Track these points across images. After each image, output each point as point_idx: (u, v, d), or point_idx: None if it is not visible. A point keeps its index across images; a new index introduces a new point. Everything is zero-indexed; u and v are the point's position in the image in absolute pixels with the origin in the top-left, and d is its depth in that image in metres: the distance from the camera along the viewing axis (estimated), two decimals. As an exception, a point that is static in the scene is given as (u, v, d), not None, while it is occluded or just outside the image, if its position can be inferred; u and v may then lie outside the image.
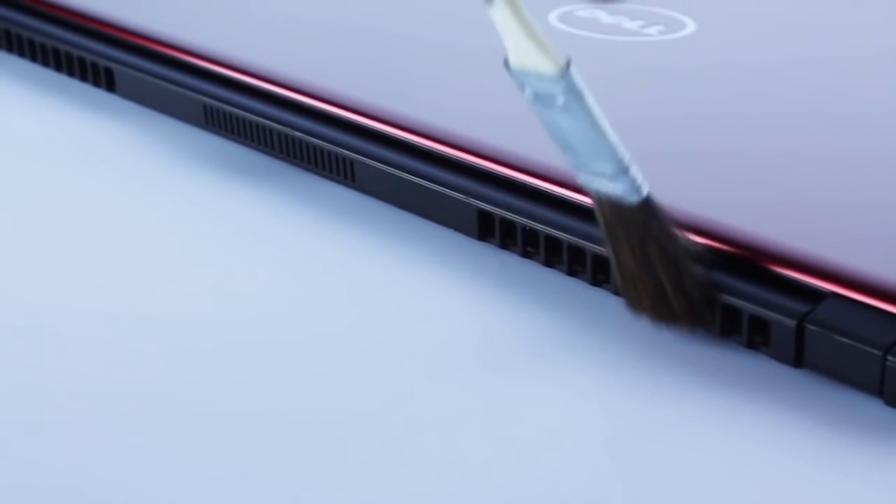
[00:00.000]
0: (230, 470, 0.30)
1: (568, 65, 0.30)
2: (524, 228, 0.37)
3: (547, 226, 0.37)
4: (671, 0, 0.49)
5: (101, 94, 0.50)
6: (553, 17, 0.48)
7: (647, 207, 0.32)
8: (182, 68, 0.47)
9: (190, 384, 0.33)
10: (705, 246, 0.32)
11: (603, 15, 0.47)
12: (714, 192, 0.37)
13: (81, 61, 0.50)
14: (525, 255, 0.38)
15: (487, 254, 0.38)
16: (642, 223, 0.32)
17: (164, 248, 0.40)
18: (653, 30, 0.46)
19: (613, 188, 0.32)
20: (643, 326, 0.35)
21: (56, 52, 0.51)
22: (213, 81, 0.46)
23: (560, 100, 0.31)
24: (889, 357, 0.31)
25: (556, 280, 0.37)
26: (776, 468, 0.30)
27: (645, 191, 0.32)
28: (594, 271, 0.36)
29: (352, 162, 0.41)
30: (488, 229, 0.39)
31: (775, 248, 0.34)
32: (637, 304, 0.33)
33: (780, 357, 0.33)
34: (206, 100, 0.46)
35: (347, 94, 0.42)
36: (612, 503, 0.29)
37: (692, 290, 0.32)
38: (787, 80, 0.43)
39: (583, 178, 0.32)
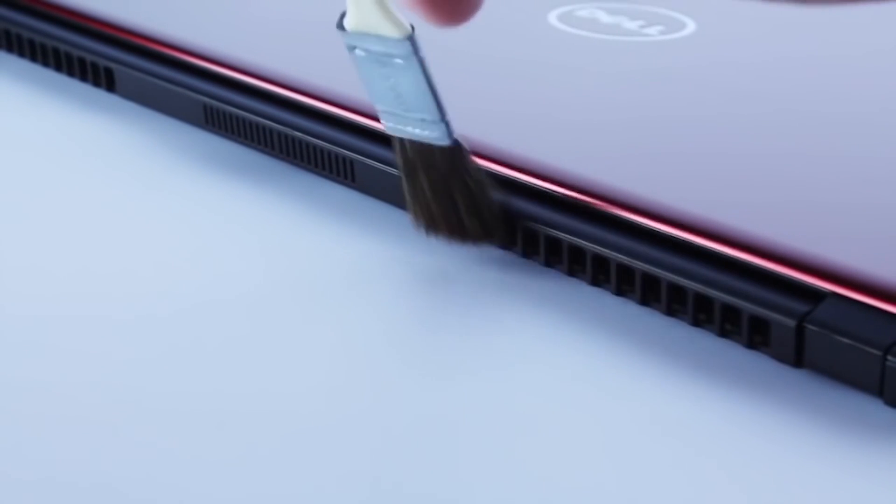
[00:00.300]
0: (240, 470, 0.30)
1: (413, 29, 0.34)
2: (524, 228, 0.37)
3: (547, 226, 0.37)
4: (671, 0, 0.49)
5: (101, 94, 0.50)
6: (553, 16, 0.48)
7: (456, 149, 0.36)
8: (182, 68, 0.47)
9: (189, 384, 0.33)
10: (499, 179, 0.37)
11: (603, 15, 0.47)
12: (714, 192, 0.37)
13: (81, 61, 0.50)
14: (525, 255, 0.38)
15: (487, 254, 0.38)
16: (449, 162, 0.36)
17: (164, 248, 0.40)
18: (653, 30, 0.46)
19: (429, 133, 0.36)
20: (644, 327, 0.35)
21: (56, 52, 0.51)
22: (213, 81, 0.46)
23: (399, 61, 0.34)
24: (889, 357, 0.31)
25: (555, 280, 0.37)
26: (776, 468, 0.30)
27: (455, 137, 0.36)
28: (594, 271, 0.36)
29: (352, 162, 0.41)
30: (488, 229, 0.39)
31: (775, 248, 0.34)
32: (430, 226, 0.37)
33: (780, 357, 0.33)
34: (206, 100, 0.46)
35: (347, 94, 0.42)
36: (611, 500, 0.29)
37: (485, 213, 0.37)
38: (787, 80, 0.43)
39: (393, 123, 0.36)
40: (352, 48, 0.35)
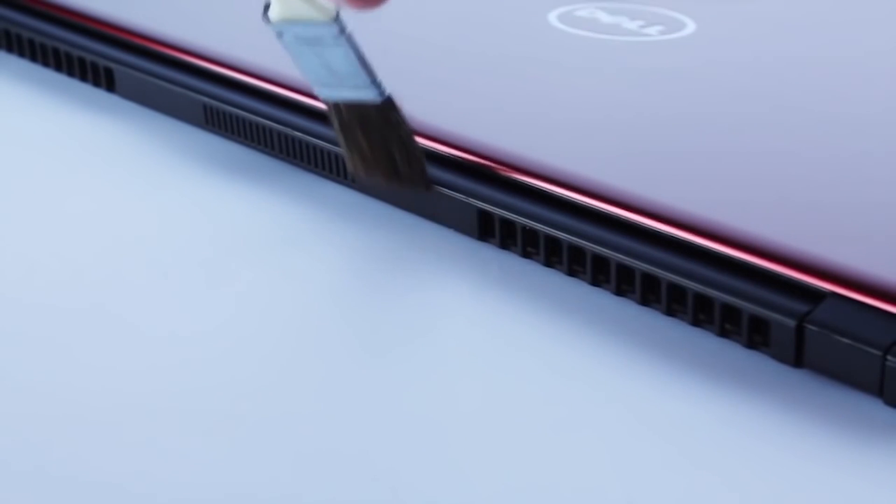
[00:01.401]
0: (233, 473, 0.30)
1: (338, 14, 0.36)
2: (524, 228, 0.37)
3: (547, 226, 0.37)
4: (671, 0, 0.49)
5: (101, 94, 0.50)
6: (553, 16, 0.48)
7: (388, 105, 0.38)
8: (182, 68, 0.47)
9: (189, 383, 0.33)
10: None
11: (603, 15, 0.47)
12: (714, 192, 0.37)
13: (81, 61, 0.50)
14: (525, 255, 0.38)
15: (487, 254, 0.38)
16: (383, 117, 0.38)
17: (164, 248, 0.40)
18: (653, 30, 0.46)
19: (364, 94, 0.38)
20: (644, 327, 0.35)
21: (56, 52, 0.51)
22: (213, 81, 0.46)
23: (329, 41, 0.37)
24: (889, 357, 0.31)
25: (555, 280, 0.37)
26: (776, 468, 0.30)
27: (387, 93, 0.38)
28: (594, 272, 0.36)
29: (352, 162, 0.41)
30: (488, 229, 0.39)
31: (775, 248, 0.34)
32: (368, 173, 0.39)
33: (780, 357, 0.33)
34: (206, 100, 0.46)
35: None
36: (611, 500, 0.29)
37: (415, 162, 0.39)
38: (786, 80, 0.43)
39: (327, 91, 0.38)
40: (280, 35, 0.37)
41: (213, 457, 0.31)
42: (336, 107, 0.39)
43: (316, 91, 0.39)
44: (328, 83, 0.38)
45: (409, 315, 0.36)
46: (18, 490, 0.30)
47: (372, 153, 0.39)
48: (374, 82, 0.38)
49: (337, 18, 0.37)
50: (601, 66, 0.44)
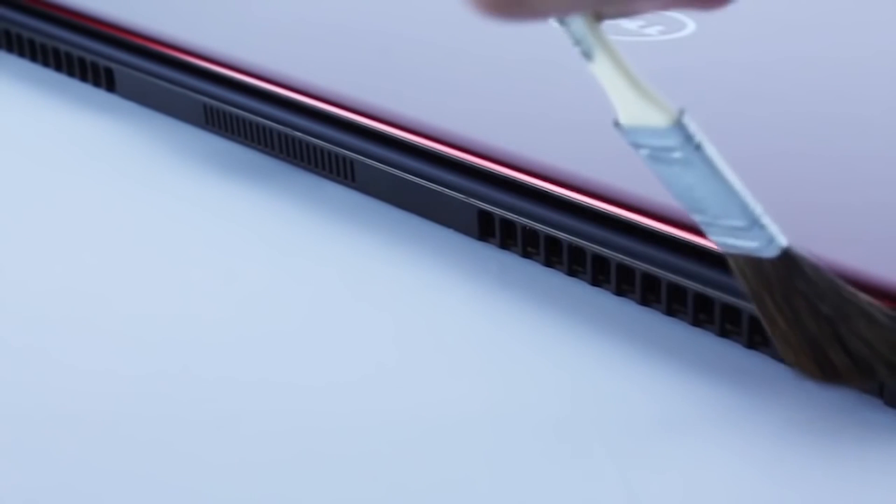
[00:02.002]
0: (231, 470, 0.30)
1: (682, 114, 0.28)
2: (524, 228, 0.37)
3: (547, 226, 0.37)
4: (671, 0, 0.49)
5: (101, 94, 0.50)
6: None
7: (789, 260, 0.29)
8: (182, 68, 0.47)
9: (189, 384, 0.33)
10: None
11: (603, 15, 0.47)
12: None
13: (81, 61, 0.50)
14: (525, 255, 0.38)
15: (487, 254, 0.38)
16: (785, 278, 0.29)
17: (164, 248, 0.40)
18: (653, 30, 0.46)
19: (748, 244, 0.29)
20: (644, 327, 0.35)
21: (56, 52, 0.51)
22: (213, 81, 0.46)
23: (678, 154, 0.28)
24: (889, 357, 0.31)
25: (555, 280, 0.37)
26: (776, 468, 0.30)
27: (783, 243, 0.29)
28: (594, 271, 0.36)
29: (352, 162, 0.41)
30: (488, 229, 0.39)
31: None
32: (796, 362, 0.30)
33: (780, 357, 0.33)
34: (206, 100, 0.46)
35: (347, 94, 0.42)
36: (611, 502, 0.29)
37: (856, 346, 0.29)
38: (786, 80, 0.43)
39: (715, 238, 0.30)
40: (636, 147, 0.29)
41: (212, 460, 0.31)
42: (735, 260, 0.30)
43: (707, 235, 0.30)
44: (707, 220, 0.29)
45: (408, 315, 0.36)
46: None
47: (789, 332, 0.29)
48: (756, 223, 0.29)
49: (680, 121, 0.28)
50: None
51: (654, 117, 0.28)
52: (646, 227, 0.35)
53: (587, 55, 0.28)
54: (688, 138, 0.28)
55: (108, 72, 0.50)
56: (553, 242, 0.37)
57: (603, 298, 0.36)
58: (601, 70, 0.28)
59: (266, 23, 0.48)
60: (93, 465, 0.30)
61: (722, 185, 0.28)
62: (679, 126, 0.28)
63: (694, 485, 0.30)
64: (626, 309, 0.36)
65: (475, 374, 0.34)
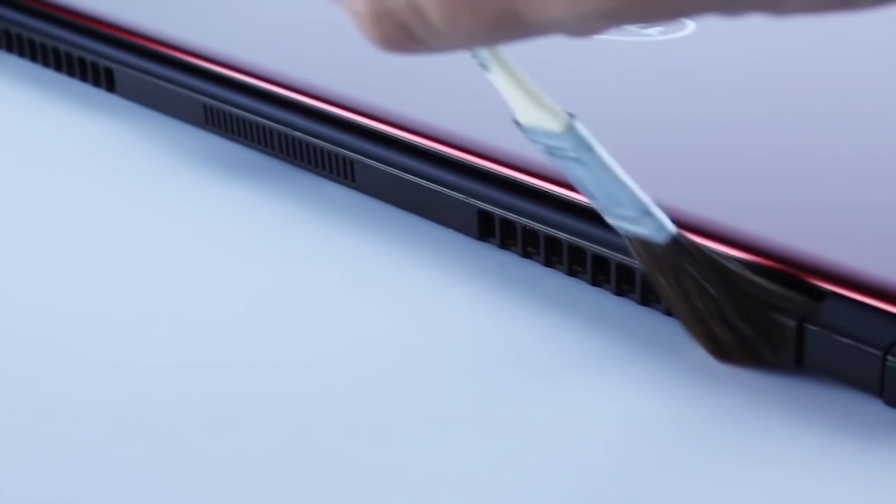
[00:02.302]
0: (230, 470, 0.30)
1: (572, 120, 0.31)
2: (524, 228, 0.37)
3: (547, 226, 0.37)
4: (671, 0, 0.49)
5: (101, 94, 0.50)
6: (553, 17, 0.48)
7: (677, 245, 0.32)
8: (182, 68, 0.47)
9: (190, 384, 0.33)
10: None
11: (603, 15, 0.47)
12: (714, 192, 0.37)
13: (81, 61, 0.50)
14: (525, 255, 0.38)
15: (487, 254, 0.38)
16: (674, 260, 0.32)
17: (164, 249, 0.40)
18: (653, 30, 0.46)
19: (639, 230, 0.32)
20: (644, 326, 0.35)
21: (56, 52, 0.51)
22: (213, 81, 0.46)
23: (570, 153, 0.31)
24: (889, 357, 0.31)
25: (555, 280, 0.37)
26: (776, 468, 0.30)
27: (671, 230, 0.32)
28: (594, 272, 0.36)
29: (352, 162, 0.41)
30: (488, 229, 0.39)
31: (775, 248, 0.34)
32: (694, 337, 0.33)
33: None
34: (206, 100, 0.46)
35: (347, 94, 0.42)
36: (611, 501, 0.29)
37: (740, 326, 0.32)
38: (786, 80, 0.43)
39: (611, 221, 0.33)
40: (533, 143, 0.32)
41: (213, 458, 0.31)
42: (630, 241, 0.33)
43: (601, 213, 0.33)
44: (599, 206, 0.32)
45: (408, 315, 0.36)
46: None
47: (677, 307, 0.33)
48: (645, 213, 0.32)
49: (571, 126, 0.31)
50: (601, 67, 0.44)
51: (547, 122, 0.31)
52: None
53: (483, 67, 0.30)
54: (578, 141, 0.31)
55: (108, 72, 0.50)
56: (553, 242, 0.37)
57: (603, 298, 0.36)
58: (497, 80, 0.30)
59: (266, 23, 0.48)
60: (100, 463, 0.30)
61: (612, 181, 0.31)
62: (570, 131, 0.30)
63: (691, 485, 0.30)
64: (626, 309, 0.36)
65: (475, 374, 0.34)
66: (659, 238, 0.32)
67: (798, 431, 0.31)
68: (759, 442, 0.31)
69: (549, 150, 0.31)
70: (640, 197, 0.32)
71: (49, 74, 0.51)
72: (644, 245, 0.32)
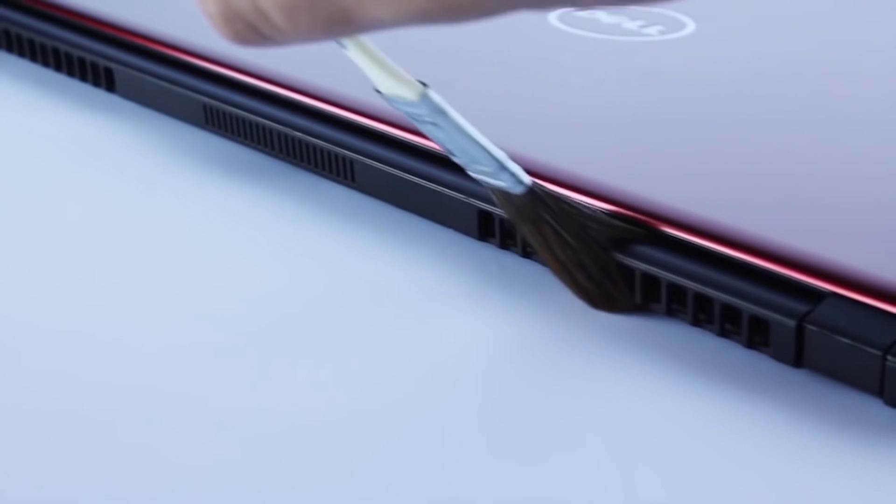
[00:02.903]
0: (230, 470, 0.30)
1: (425, 89, 0.33)
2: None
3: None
4: (671, 0, 0.49)
5: (101, 94, 0.50)
6: (553, 16, 0.48)
7: (534, 196, 0.35)
8: (182, 68, 0.47)
9: (190, 384, 0.33)
10: (622, 227, 0.35)
11: (603, 15, 0.47)
12: (714, 192, 0.37)
13: (81, 61, 0.50)
14: (525, 255, 0.38)
15: (487, 254, 0.38)
16: (533, 210, 0.35)
17: (164, 249, 0.40)
18: (653, 30, 0.46)
19: (498, 183, 0.35)
20: (645, 328, 0.35)
21: (56, 52, 0.51)
22: (213, 81, 0.46)
23: (427, 118, 0.34)
24: (889, 357, 0.31)
25: (555, 280, 0.37)
26: (776, 468, 0.30)
27: (527, 181, 0.34)
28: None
29: (352, 162, 0.41)
30: (488, 229, 0.39)
31: (775, 248, 0.34)
32: (561, 281, 0.36)
33: (780, 357, 0.33)
34: (206, 100, 0.46)
35: (347, 94, 0.42)
36: (611, 501, 0.29)
37: (594, 270, 0.35)
38: (787, 80, 0.43)
39: (473, 175, 0.35)
40: (395, 109, 0.34)
41: (205, 462, 0.31)
42: (492, 192, 0.36)
43: (465, 169, 0.35)
44: (460, 162, 0.35)
45: (408, 315, 0.36)
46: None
47: (543, 253, 0.35)
48: (501, 168, 0.34)
49: (425, 95, 0.33)
50: (601, 66, 0.44)
51: (404, 92, 0.33)
52: (646, 228, 0.35)
53: (341, 45, 0.32)
54: (433, 108, 0.33)
55: (108, 72, 0.50)
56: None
57: (603, 298, 0.36)
58: (354, 57, 0.32)
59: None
60: (90, 467, 0.30)
61: (467, 141, 0.34)
62: (424, 99, 0.33)
63: (691, 486, 0.30)
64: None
65: (474, 374, 0.34)
66: (516, 189, 0.34)
67: (798, 431, 0.31)
68: (759, 442, 0.31)
69: (410, 116, 0.34)
70: (494, 153, 0.34)
71: (49, 74, 0.51)
72: (505, 196, 0.35)
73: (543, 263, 0.36)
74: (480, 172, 0.35)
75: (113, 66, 0.49)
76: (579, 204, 0.35)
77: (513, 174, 0.34)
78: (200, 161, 0.44)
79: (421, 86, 0.33)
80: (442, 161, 0.39)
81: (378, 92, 0.33)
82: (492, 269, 0.38)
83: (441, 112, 0.33)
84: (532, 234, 0.35)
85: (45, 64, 0.52)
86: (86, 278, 0.38)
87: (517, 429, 0.32)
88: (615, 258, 0.34)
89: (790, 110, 0.41)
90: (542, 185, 0.35)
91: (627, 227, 0.35)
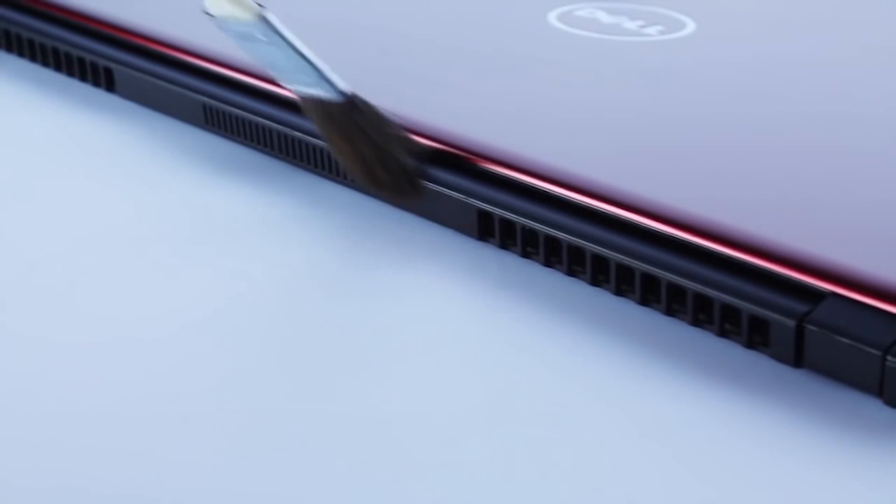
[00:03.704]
0: (240, 468, 0.30)
1: (262, 10, 0.36)
2: (524, 228, 0.37)
3: (547, 226, 0.37)
4: (671, 0, 0.49)
5: (101, 94, 0.50)
6: (553, 16, 0.48)
7: (350, 103, 0.38)
8: (182, 68, 0.47)
9: (188, 384, 0.33)
10: (417, 141, 0.39)
11: (603, 15, 0.47)
12: (714, 192, 0.37)
13: (81, 61, 0.50)
14: (525, 255, 0.38)
15: (487, 254, 0.38)
16: (346, 115, 0.38)
17: (164, 249, 0.40)
18: (653, 30, 0.46)
19: (317, 92, 0.38)
20: (644, 327, 0.35)
21: (56, 51, 0.51)
22: (213, 81, 0.46)
23: (261, 37, 0.37)
24: (889, 357, 0.31)
25: (555, 280, 0.37)
26: (776, 468, 0.30)
27: (346, 90, 0.38)
28: (594, 272, 0.36)
29: (352, 162, 0.41)
30: (488, 229, 0.39)
31: (775, 248, 0.34)
32: (353, 175, 0.39)
33: (780, 357, 0.33)
34: (206, 100, 0.46)
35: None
36: (611, 501, 0.29)
37: (394, 168, 0.38)
38: (787, 80, 0.43)
39: (289, 86, 0.39)
40: (221, 29, 0.38)
41: (196, 456, 0.31)
42: (304, 102, 0.39)
43: (280, 83, 0.39)
44: (277, 76, 0.39)
45: (408, 315, 0.36)
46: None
47: (347, 157, 0.39)
48: (326, 80, 0.38)
49: (262, 16, 0.37)
50: (601, 66, 0.44)
51: (241, 14, 0.37)
52: (646, 228, 0.35)
53: None
54: (269, 27, 0.37)
55: (108, 72, 0.50)
56: (553, 242, 0.37)
57: (603, 298, 0.36)
58: None
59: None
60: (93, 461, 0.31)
61: (297, 56, 0.37)
62: (261, 20, 0.37)
63: (691, 486, 0.30)
64: (626, 309, 0.36)
65: (474, 374, 0.34)
66: (335, 98, 0.38)
67: (798, 431, 0.31)
68: (759, 442, 0.31)
69: (240, 36, 0.37)
70: (317, 65, 0.37)
71: (49, 74, 0.51)
72: (318, 104, 0.38)
73: (341, 163, 0.39)
74: (300, 83, 0.38)
75: (113, 66, 0.49)
76: (388, 113, 0.38)
77: (333, 84, 0.38)
78: (200, 161, 0.44)
79: (258, 7, 0.36)
80: (442, 161, 0.39)
81: (209, 15, 0.37)
82: (492, 269, 0.38)
83: (277, 30, 0.37)
84: (341, 136, 0.38)
85: (45, 64, 0.52)
86: (84, 278, 0.38)
87: (521, 429, 0.32)
88: (410, 159, 0.38)
89: (790, 110, 0.41)
90: (359, 95, 0.38)
91: (422, 144, 0.39)
